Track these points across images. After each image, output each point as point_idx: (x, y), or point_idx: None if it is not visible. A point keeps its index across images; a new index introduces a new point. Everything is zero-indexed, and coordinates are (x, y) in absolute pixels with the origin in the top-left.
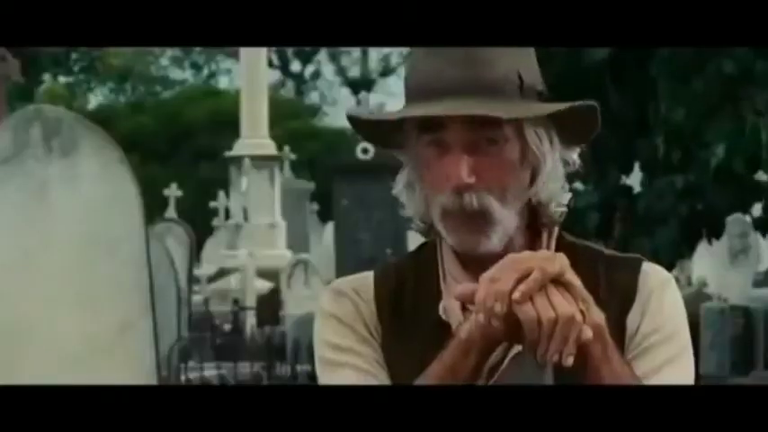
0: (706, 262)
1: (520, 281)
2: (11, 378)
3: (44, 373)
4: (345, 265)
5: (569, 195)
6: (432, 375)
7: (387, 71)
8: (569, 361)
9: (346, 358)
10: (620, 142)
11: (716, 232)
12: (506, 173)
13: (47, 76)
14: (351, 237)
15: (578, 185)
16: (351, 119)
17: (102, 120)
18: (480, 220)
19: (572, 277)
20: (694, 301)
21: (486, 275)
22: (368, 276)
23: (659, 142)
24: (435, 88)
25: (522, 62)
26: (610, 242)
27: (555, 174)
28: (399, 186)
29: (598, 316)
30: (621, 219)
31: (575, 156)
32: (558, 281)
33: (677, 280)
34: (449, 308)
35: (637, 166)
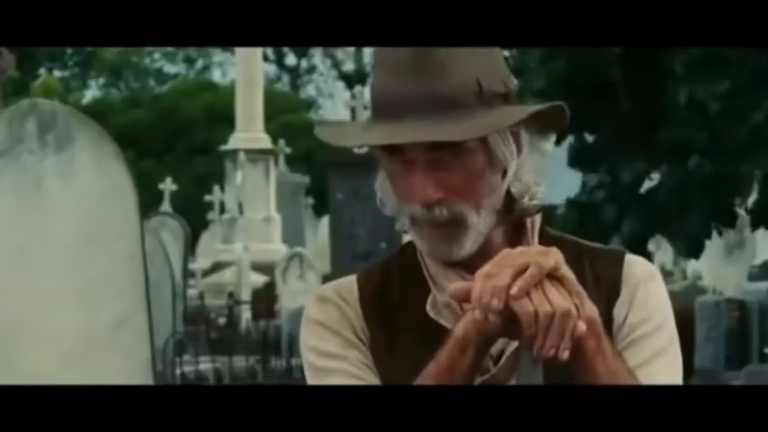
0: (701, 255)
1: (516, 276)
2: (6, 373)
3: (40, 367)
4: (340, 259)
5: (542, 188)
6: (429, 375)
7: None
8: (565, 355)
9: (334, 364)
10: (635, 135)
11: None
12: (475, 181)
13: (42, 71)
14: (346, 230)
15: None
16: (318, 136)
17: (97, 114)
18: (452, 229)
19: (567, 271)
20: (689, 295)
21: (481, 271)
22: (351, 280)
23: (672, 132)
24: (391, 107)
25: (481, 65)
26: (624, 236)
27: (526, 169)
28: (377, 187)
29: (591, 310)
30: (635, 212)
31: (547, 145)
32: (552, 275)
33: (671, 273)
34: (439, 304)
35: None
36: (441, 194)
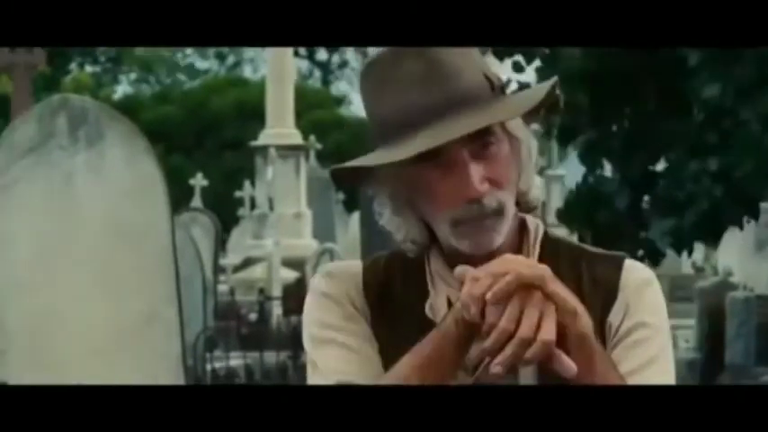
0: (732, 251)
1: (494, 284)
2: (39, 367)
3: (71, 362)
4: (371, 255)
5: (539, 180)
6: (408, 364)
7: None
8: (496, 369)
9: (333, 335)
10: (650, 126)
11: (754, 214)
12: (507, 169)
13: (73, 66)
14: (376, 226)
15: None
16: (335, 172)
17: (128, 109)
18: (495, 219)
19: (556, 288)
20: (720, 291)
21: (470, 274)
22: (358, 265)
23: (690, 125)
24: (415, 117)
25: (480, 62)
26: (637, 228)
27: (533, 160)
28: (386, 217)
29: (585, 325)
30: (649, 204)
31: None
32: (545, 293)
33: (702, 269)
34: (435, 306)
35: (668, 150)
36: (486, 186)
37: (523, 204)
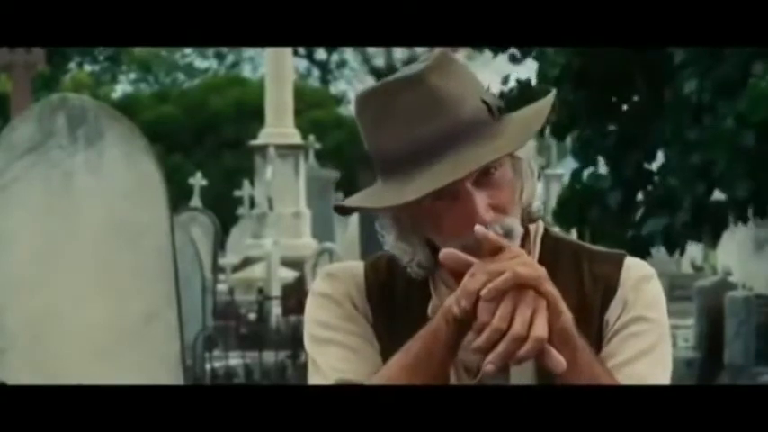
0: (731, 251)
1: (489, 281)
2: (38, 367)
3: (70, 362)
4: (370, 254)
5: (540, 189)
6: (399, 363)
7: (412, 60)
8: (489, 367)
9: (333, 334)
10: (642, 124)
11: (743, 218)
12: (511, 192)
13: (72, 65)
14: (375, 226)
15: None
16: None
17: (127, 109)
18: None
19: (550, 288)
20: (719, 290)
21: (470, 269)
22: (359, 265)
23: (679, 122)
24: (425, 152)
25: (475, 86)
26: (628, 225)
27: (535, 174)
28: (391, 242)
29: (566, 320)
30: (642, 201)
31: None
32: (538, 291)
33: (701, 268)
34: (436, 308)
35: (658, 147)
36: (491, 213)
37: (526, 217)
